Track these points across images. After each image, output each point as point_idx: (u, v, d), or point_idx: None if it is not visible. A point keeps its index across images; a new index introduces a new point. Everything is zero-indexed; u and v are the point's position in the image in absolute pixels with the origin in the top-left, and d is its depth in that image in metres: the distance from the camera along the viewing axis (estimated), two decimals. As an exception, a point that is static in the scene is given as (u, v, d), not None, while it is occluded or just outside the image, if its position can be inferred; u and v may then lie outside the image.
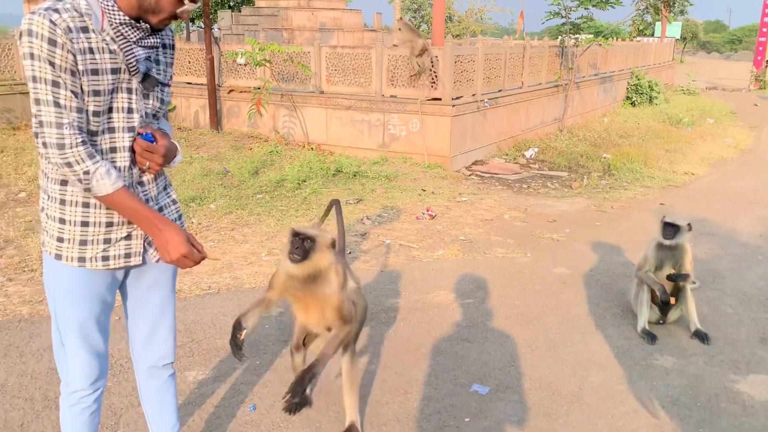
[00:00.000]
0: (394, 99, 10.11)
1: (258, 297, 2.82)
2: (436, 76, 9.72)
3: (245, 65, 11.60)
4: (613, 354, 3.97)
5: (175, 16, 1.98)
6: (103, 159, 1.94)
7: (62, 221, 2.02)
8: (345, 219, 6.81)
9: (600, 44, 14.31)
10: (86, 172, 1.88)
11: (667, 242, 4.27)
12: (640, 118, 16.05)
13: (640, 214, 7.60)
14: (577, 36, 13.51)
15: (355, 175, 8.76)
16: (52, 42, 1.80)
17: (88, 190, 1.92)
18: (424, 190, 8.29)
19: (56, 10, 1.83)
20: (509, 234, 6.64)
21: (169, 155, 2.09)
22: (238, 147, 10.54)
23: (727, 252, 6.14)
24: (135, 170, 2.06)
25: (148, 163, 2.05)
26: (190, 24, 19.36)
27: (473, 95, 10.34)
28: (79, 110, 1.88)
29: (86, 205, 2.01)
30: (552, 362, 3.83)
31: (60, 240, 2.03)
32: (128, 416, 3.17)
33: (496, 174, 9.85)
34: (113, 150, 2.01)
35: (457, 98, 9.85)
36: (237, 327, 2.68)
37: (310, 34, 16.54)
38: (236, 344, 2.66)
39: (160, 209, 2.19)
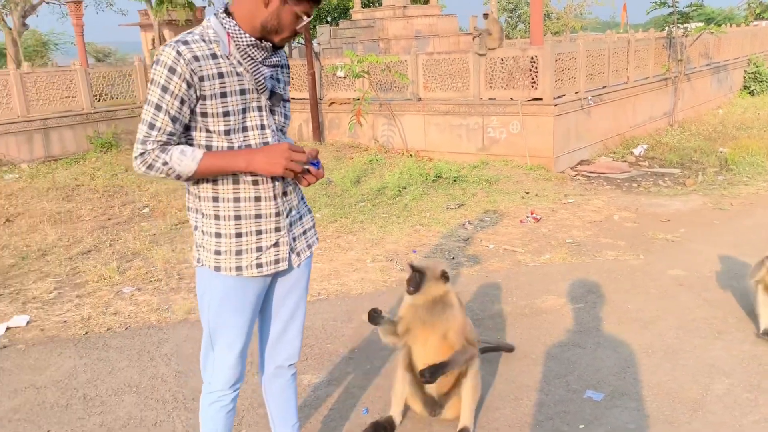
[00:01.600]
0: (493, 101, 10.03)
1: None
2: (536, 76, 9.55)
3: (344, 77, 11.90)
4: (739, 360, 3.73)
5: (295, 33, 2.11)
6: (174, 145, 2.05)
7: (218, 235, 2.17)
8: (446, 224, 6.86)
9: (712, 32, 13.51)
10: (165, 163, 2.02)
11: None
12: (760, 108, 15.00)
13: (765, 211, 7.11)
14: (685, 25, 12.83)
15: (455, 180, 8.75)
16: (172, 70, 1.97)
17: (178, 177, 2.05)
18: (528, 193, 8.15)
19: (185, 42, 2.00)
20: (619, 236, 6.40)
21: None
22: (339, 157, 10.82)
23: None
24: (278, 182, 2.20)
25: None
26: (291, 41, 20.06)
27: (576, 93, 10.07)
28: (171, 134, 2.03)
29: (237, 218, 2.17)
30: (670, 368, 3.66)
31: (218, 253, 2.18)
32: (250, 417, 3.34)
33: (603, 173, 9.52)
34: None
35: (559, 97, 9.63)
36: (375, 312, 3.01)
37: (406, 42, 16.69)
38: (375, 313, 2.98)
39: (301, 217, 2.36)
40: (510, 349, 3.97)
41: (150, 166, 2.02)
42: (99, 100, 13.09)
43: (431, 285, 2.95)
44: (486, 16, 10.37)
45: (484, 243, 6.30)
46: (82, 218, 7.95)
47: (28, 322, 4.69)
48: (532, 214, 7.12)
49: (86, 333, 4.49)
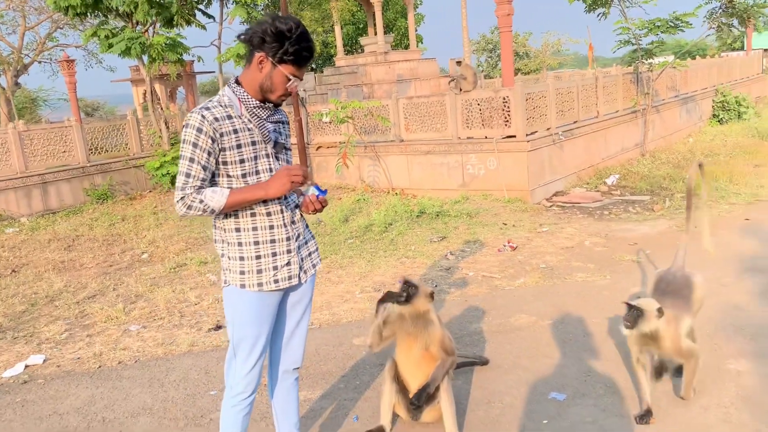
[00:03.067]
0: (471, 140, 10.63)
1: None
2: (509, 115, 10.17)
3: (330, 123, 12.51)
4: (687, 361, 4.19)
5: (288, 93, 2.65)
6: (206, 188, 2.56)
7: (242, 258, 2.67)
8: (430, 255, 7.34)
9: (674, 67, 14.29)
10: (201, 201, 2.53)
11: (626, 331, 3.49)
12: (727, 136, 15.72)
13: (724, 231, 7.64)
14: (650, 61, 13.61)
15: (437, 215, 9.27)
16: (199, 130, 2.51)
17: (212, 212, 2.56)
18: (505, 224, 8.67)
19: (207, 108, 2.55)
20: (590, 259, 6.89)
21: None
22: (328, 198, 11.33)
23: (813, 261, 6.13)
24: (287, 212, 2.72)
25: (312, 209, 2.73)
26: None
27: (548, 129, 10.69)
28: (203, 180, 2.55)
29: (257, 243, 2.67)
30: (625, 371, 4.11)
31: (242, 273, 2.67)
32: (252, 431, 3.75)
33: (576, 203, 10.07)
34: (264, 202, 2.65)
35: (532, 133, 10.24)
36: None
37: (389, 86, 17.42)
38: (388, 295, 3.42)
39: (306, 241, 2.87)
40: (485, 362, 4.41)
41: (189, 207, 2.54)
42: (94, 153, 13.63)
43: (420, 300, 3.38)
44: (459, 63, 11.08)
45: (465, 271, 6.77)
46: (85, 266, 8.38)
47: (44, 360, 5.10)
48: (509, 243, 7.62)
49: (99, 367, 4.90)
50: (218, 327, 5.57)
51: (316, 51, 2.59)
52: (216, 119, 2.53)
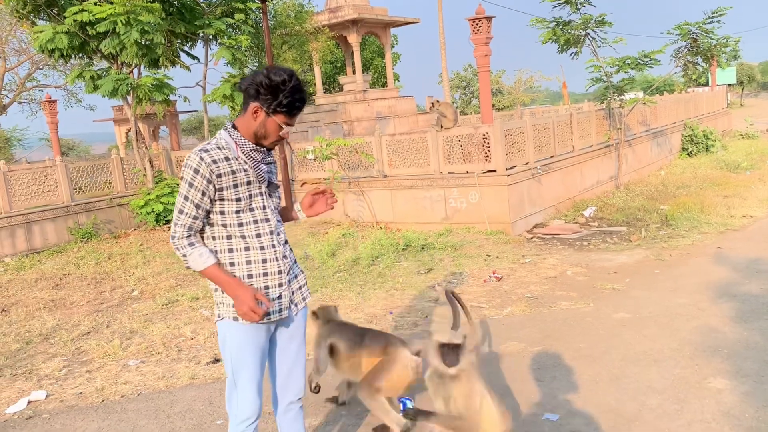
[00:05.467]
0: (452, 175, 10.96)
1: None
2: (488, 150, 10.54)
3: (314, 160, 12.79)
4: (670, 381, 4.44)
5: (281, 138, 2.84)
6: (199, 245, 2.73)
7: None
8: (417, 287, 7.55)
9: (644, 103, 14.90)
10: (184, 255, 2.73)
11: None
12: (697, 168, 16.33)
13: (698, 259, 7.99)
14: (621, 97, 14.18)
15: (423, 248, 9.52)
16: (196, 171, 2.69)
17: (188, 267, 2.77)
18: (489, 255, 8.94)
19: (206, 150, 2.72)
20: (572, 288, 7.17)
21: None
22: (314, 233, 11.54)
23: (782, 285, 6.47)
24: (279, 248, 2.88)
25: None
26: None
27: (526, 163, 11.07)
28: (195, 218, 2.72)
29: (250, 276, 2.81)
30: (614, 390, 4.35)
31: (234, 306, 2.78)
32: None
33: (557, 235, 10.40)
34: (258, 235, 2.82)
35: (511, 168, 10.60)
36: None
37: (368, 124, 17.83)
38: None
39: (296, 276, 3.00)
40: None
41: (177, 249, 2.76)
42: (78, 192, 13.69)
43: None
44: (437, 101, 11.50)
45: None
46: (76, 304, 8.43)
47: (47, 396, 5.17)
48: (494, 273, 7.87)
49: (102, 401, 4.99)
50: (216, 360, 5.68)
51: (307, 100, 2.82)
52: (214, 161, 2.70)
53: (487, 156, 10.59)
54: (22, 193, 12.72)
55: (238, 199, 2.77)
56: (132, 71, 13.84)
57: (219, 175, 2.70)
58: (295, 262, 3.05)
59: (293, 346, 3.04)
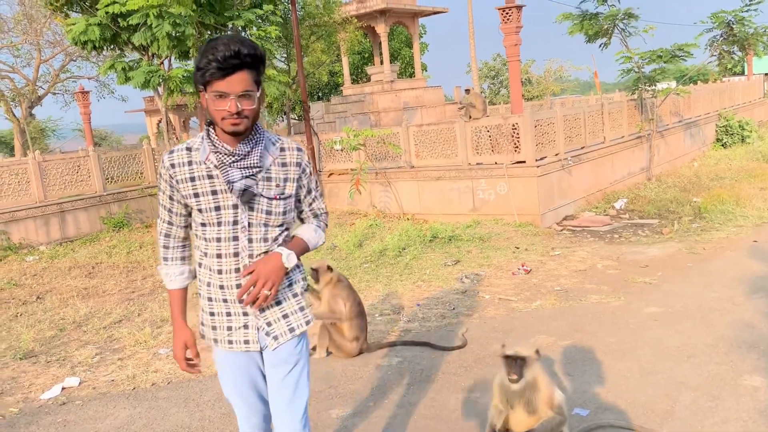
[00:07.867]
0: (480, 166, 10.87)
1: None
2: (518, 141, 10.43)
3: (342, 150, 12.80)
4: (704, 377, 4.35)
5: (233, 113, 2.23)
6: (171, 262, 2.52)
7: (211, 314, 2.48)
8: (445, 279, 7.52)
9: (677, 93, 14.59)
10: (159, 265, 2.57)
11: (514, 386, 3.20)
12: (732, 159, 15.96)
13: (733, 253, 7.81)
14: (653, 87, 13.91)
15: (450, 240, 9.47)
16: (161, 174, 2.44)
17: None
18: (518, 248, 8.86)
19: (172, 151, 2.41)
20: (603, 281, 7.07)
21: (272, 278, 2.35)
22: (341, 224, 11.57)
23: (821, 281, 6.29)
24: (237, 273, 2.40)
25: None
26: (285, 115, 21.29)
27: (556, 155, 10.93)
28: (170, 223, 2.48)
29: (210, 299, 2.45)
30: (645, 386, 4.27)
31: (213, 329, 2.50)
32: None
33: (587, 227, 10.27)
34: (218, 256, 2.39)
35: (541, 159, 10.48)
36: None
37: (395, 114, 17.79)
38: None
39: (279, 302, 2.48)
40: None
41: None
42: (110, 182, 13.91)
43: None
44: (468, 91, 11.39)
45: (481, 294, 6.95)
46: (108, 292, 8.58)
47: (80, 383, 5.28)
48: (522, 266, 7.80)
49: (134, 388, 5.07)
50: (245, 349, 5.73)
51: (234, 50, 2.20)
52: (173, 165, 2.38)
53: (517, 147, 10.48)
54: (56, 182, 12.96)
55: (200, 210, 2.38)
56: (162, 63, 13.98)
57: (177, 181, 2.38)
58: (289, 285, 2.51)
59: (289, 381, 2.52)
